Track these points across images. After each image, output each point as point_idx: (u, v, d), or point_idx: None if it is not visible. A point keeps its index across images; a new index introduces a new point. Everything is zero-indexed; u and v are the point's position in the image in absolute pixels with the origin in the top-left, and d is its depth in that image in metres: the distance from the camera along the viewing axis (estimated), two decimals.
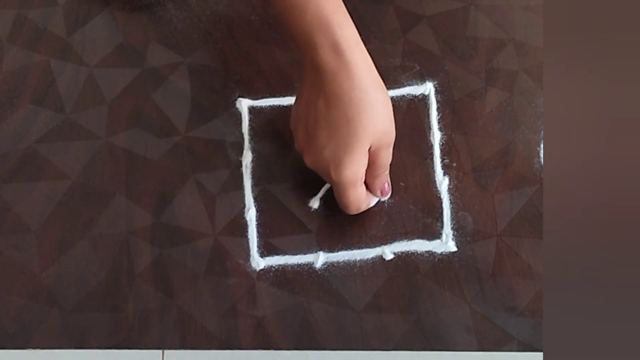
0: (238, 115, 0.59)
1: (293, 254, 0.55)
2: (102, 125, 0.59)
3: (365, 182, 0.53)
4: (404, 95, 0.59)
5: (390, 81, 0.59)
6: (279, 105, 0.59)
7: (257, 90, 0.59)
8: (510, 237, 0.55)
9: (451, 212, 0.55)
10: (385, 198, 0.55)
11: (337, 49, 0.48)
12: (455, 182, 0.56)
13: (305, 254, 0.55)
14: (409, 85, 0.59)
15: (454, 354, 0.52)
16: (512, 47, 0.61)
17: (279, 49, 0.61)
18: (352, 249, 0.55)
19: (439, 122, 0.58)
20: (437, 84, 0.59)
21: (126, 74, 0.60)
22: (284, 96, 0.59)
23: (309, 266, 0.54)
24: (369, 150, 0.50)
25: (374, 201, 0.55)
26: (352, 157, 0.49)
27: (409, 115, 0.58)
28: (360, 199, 0.52)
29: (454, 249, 0.55)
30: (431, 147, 0.58)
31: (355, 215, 0.54)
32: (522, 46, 0.61)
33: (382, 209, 0.55)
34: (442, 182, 0.56)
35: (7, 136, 0.58)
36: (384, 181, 0.54)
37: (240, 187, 0.56)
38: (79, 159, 0.58)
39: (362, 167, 0.50)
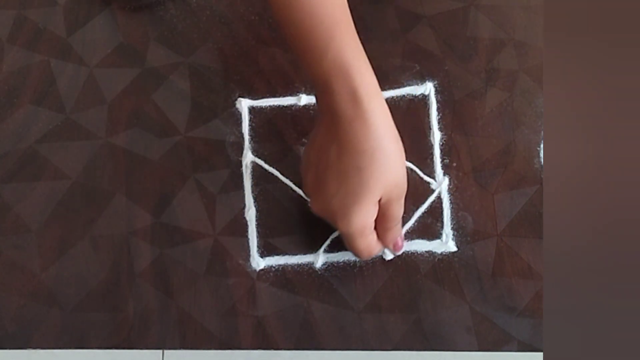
0: (238, 115, 0.59)
1: (293, 254, 0.55)
2: (102, 125, 0.59)
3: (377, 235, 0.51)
4: (404, 95, 0.59)
5: (390, 81, 0.59)
6: (279, 105, 0.59)
7: (257, 90, 0.59)
8: (510, 237, 0.55)
9: (451, 212, 0.55)
10: (399, 253, 0.54)
11: (354, 97, 0.46)
12: (455, 182, 0.56)
13: (305, 254, 0.55)
14: (409, 85, 0.59)
15: (454, 354, 0.52)
16: (512, 47, 0.61)
17: (279, 49, 0.61)
18: None
19: (439, 122, 0.58)
20: (437, 84, 0.59)
21: (126, 74, 0.60)
22: (284, 96, 0.59)
23: (309, 266, 0.54)
24: (380, 202, 0.48)
25: (389, 256, 0.54)
26: (360, 207, 0.47)
27: (409, 115, 0.58)
28: (371, 247, 0.50)
29: (454, 249, 0.55)
30: (431, 147, 0.57)
31: None
32: (522, 46, 0.61)
33: None
34: (442, 182, 0.56)
35: (7, 136, 0.58)
36: (396, 235, 0.51)
37: (240, 187, 0.56)
38: (79, 159, 0.58)
39: (370, 217, 0.48)
